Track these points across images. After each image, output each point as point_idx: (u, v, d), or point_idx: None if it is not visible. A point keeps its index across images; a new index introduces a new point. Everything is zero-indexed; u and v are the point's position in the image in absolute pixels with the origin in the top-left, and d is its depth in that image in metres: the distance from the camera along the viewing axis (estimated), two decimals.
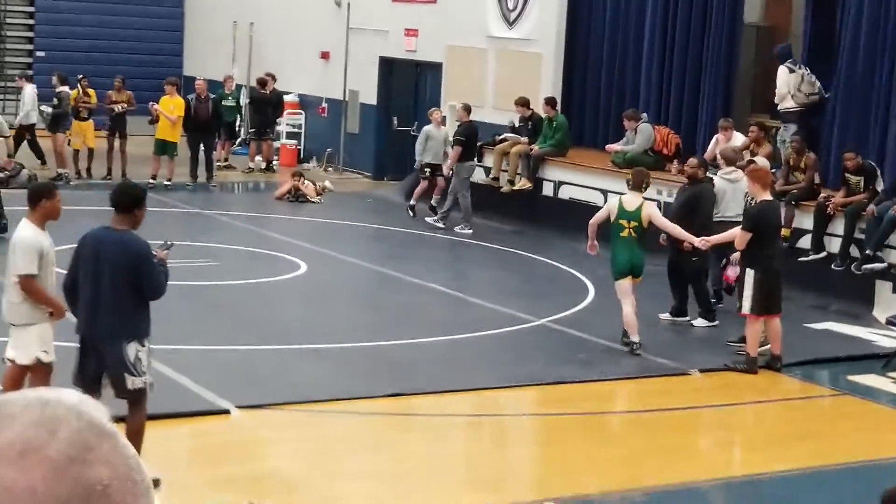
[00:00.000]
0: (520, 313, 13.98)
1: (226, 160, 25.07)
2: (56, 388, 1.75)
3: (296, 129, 26.63)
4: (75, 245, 8.61)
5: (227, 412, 10.14)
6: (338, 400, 10.66)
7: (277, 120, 25.70)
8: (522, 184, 19.93)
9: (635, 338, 12.47)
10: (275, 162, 25.39)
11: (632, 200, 12.61)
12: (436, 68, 23.51)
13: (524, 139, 20.18)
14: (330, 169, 25.43)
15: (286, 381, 11.13)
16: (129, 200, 8.22)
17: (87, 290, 8.17)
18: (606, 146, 19.64)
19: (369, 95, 25.11)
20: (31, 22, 30.96)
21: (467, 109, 19.94)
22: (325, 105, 26.33)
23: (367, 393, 10.89)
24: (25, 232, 8.57)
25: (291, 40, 27.30)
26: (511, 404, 11.66)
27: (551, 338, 13.25)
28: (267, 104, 25.14)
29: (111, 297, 8.11)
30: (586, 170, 19.44)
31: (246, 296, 14.49)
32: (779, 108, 17.64)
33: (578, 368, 12.06)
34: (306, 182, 21.89)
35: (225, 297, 14.30)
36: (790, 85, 17.30)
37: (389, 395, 10.84)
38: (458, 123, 19.92)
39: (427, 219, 19.58)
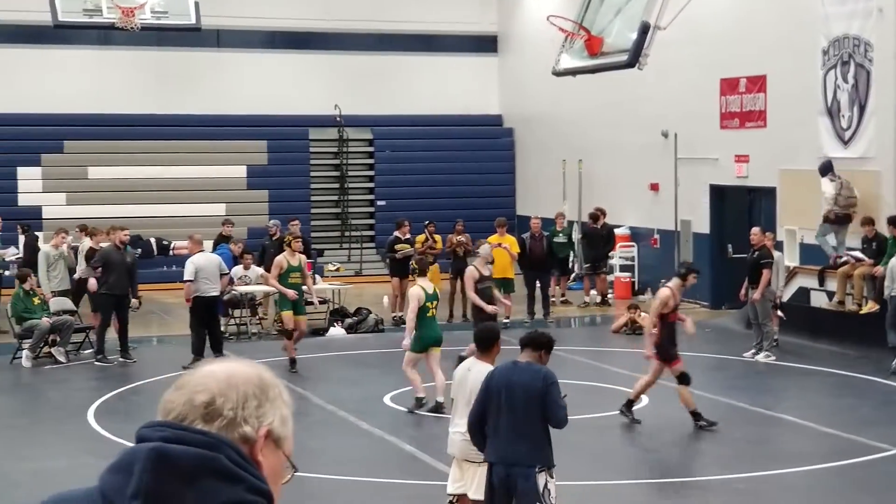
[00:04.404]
0: (874, 442, 13.41)
1: (562, 296, 25.43)
2: None
3: (629, 262, 26.77)
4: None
5: None
6: None
7: (610, 253, 25.93)
8: (869, 307, 19.25)
9: None
10: (610, 295, 25.54)
11: None
12: (769, 193, 23.18)
13: (869, 260, 19.53)
14: None
15: None
16: (543, 341, 8.65)
17: (501, 420, 8.45)
18: None
19: (701, 224, 24.99)
20: (370, 173, 32.68)
21: (763, 231, 19.54)
22: (657, 236, 26.38)
23: None
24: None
25: (620, 174, 27.63)
26: None
27: None
28: (599, 238, 25.43)
29: (526, 426, 8.39)
30: None
31: (589, 431, 14.52)
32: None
33: None
34: (642, 314, 21.88)
35: (568, 432, 14.33)
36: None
37: None
38: (755, 248, 19.21)
39: (754, 356, 19.08)
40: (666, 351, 14.05)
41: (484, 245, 18.38)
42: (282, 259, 18.12)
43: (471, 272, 17.51)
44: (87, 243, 21.48)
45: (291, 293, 17.84)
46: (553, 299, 24.31)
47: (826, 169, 20.64)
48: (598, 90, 26.54)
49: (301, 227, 24.01)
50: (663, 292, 14.25)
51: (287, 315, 18.10)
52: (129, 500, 2.09)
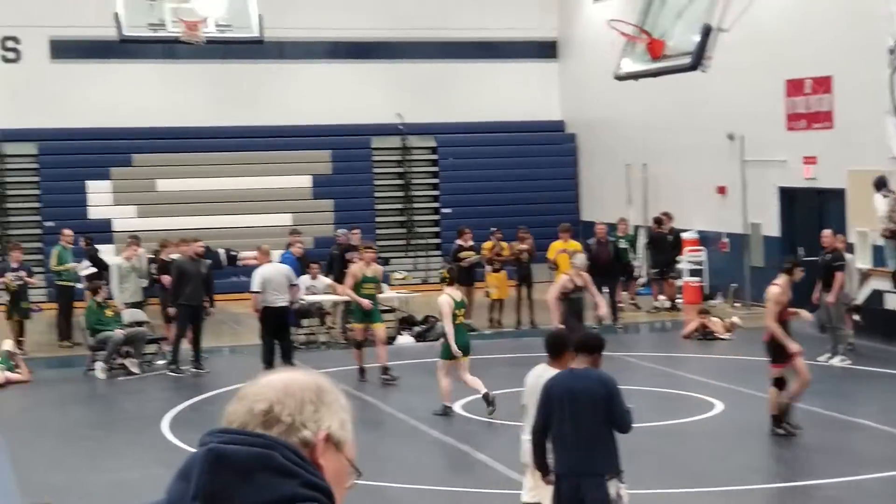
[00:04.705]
0: None
1: (632, 299, 25.32)
2: None
3: (698, 266, 26.56)
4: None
5: None
6: None
7: (678, 258, 25.76)
8: None
9: None
10: (678, 300, 25.38)
11: None
12: (838, 195, 22.91)
13: None
14: (737, 304, 25.11)
15: None
16: (595, 343, 8.63)
17: (565, 430, 8.41)
18: None
19: (771, 227, 24.75)
20: (435, 181, 32.71)
21: (835, 234, 19.32)
22: (725, 240, 26.17)
23: None
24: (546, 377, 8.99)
25: (686, 178, 27.46)
26: None
27: None
28: (665, 243, 25.30)
29: (592, 434, 8.34)
30: None
31: (662, 437, 14.43)
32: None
33: None
34: (713, 319, 21.72)
35: (641, 439, 14.27)
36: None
37: None
38: (827, 251, 19.05)
39: (829, 360, 18.85)
40: (774, 350, 13.71)
41: (579, 255, 17.97)
42: (357, 269, 18.10)
43: (563, 282, 17.10)
44: (142, 255, 21.76)
45: (366, 303, 17.85)
46: (621, 305, 24.19)
47: (881, 184, 20.31)
48: (662, 93, 26.39)
49: (363, 235, 24.09)
50: (773, 290, 13.92)
51: (358, 327, 18.17)
52: (189, 501, 2.18)
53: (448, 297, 15.29)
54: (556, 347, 9.26)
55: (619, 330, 22.61)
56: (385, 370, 17.91)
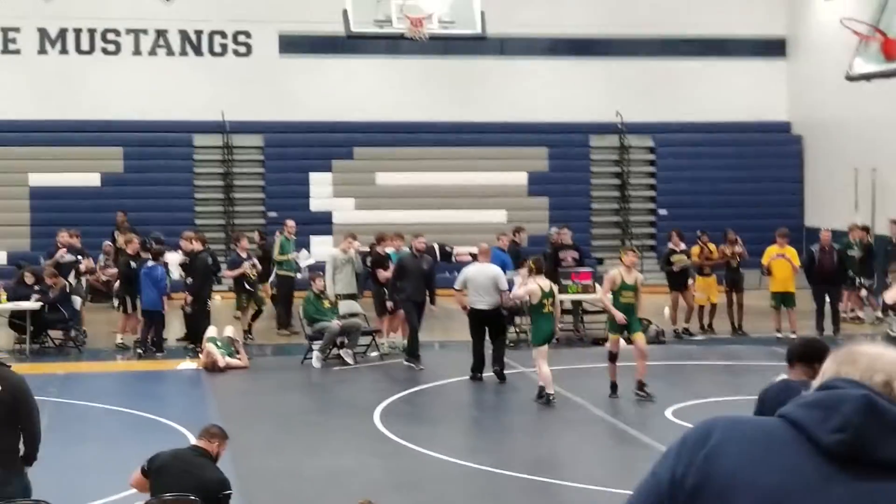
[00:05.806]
0: None
1: (851, 311, 24.40)
2: None
3: None
4: None
5: None
6: None
7: None
8: None
9: None
10: None
11: None
12: None
13: None
14: None
15: None
16: (812, 353, 8.30)
17: None
18: None
19: None
20: (652, 182, 32.30)
21: None
22: None
23: None
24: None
25: None
26: None
27: None
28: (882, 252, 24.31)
29: None
30: None
31: None
32: None
33: None
34: None
35: None
36: None
37: None
38: None
39: None
40: None
41: None
42: (616, 274, 16.67)
43: None
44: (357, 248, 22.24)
45: (620, 317, 16.28)
46: (843, 315, 23.36)
47: None
48: (895, 95, 25.37)
49: (577, 235, 23.84)
50: None
51: (614, 338, 16.51)
52: (831, 432, 2.40)
53: (537, 286, 16.21)
54: (789, 356, 8.82)
55: (840, 341, 21.85)
56: (641, 385, 16.51)
